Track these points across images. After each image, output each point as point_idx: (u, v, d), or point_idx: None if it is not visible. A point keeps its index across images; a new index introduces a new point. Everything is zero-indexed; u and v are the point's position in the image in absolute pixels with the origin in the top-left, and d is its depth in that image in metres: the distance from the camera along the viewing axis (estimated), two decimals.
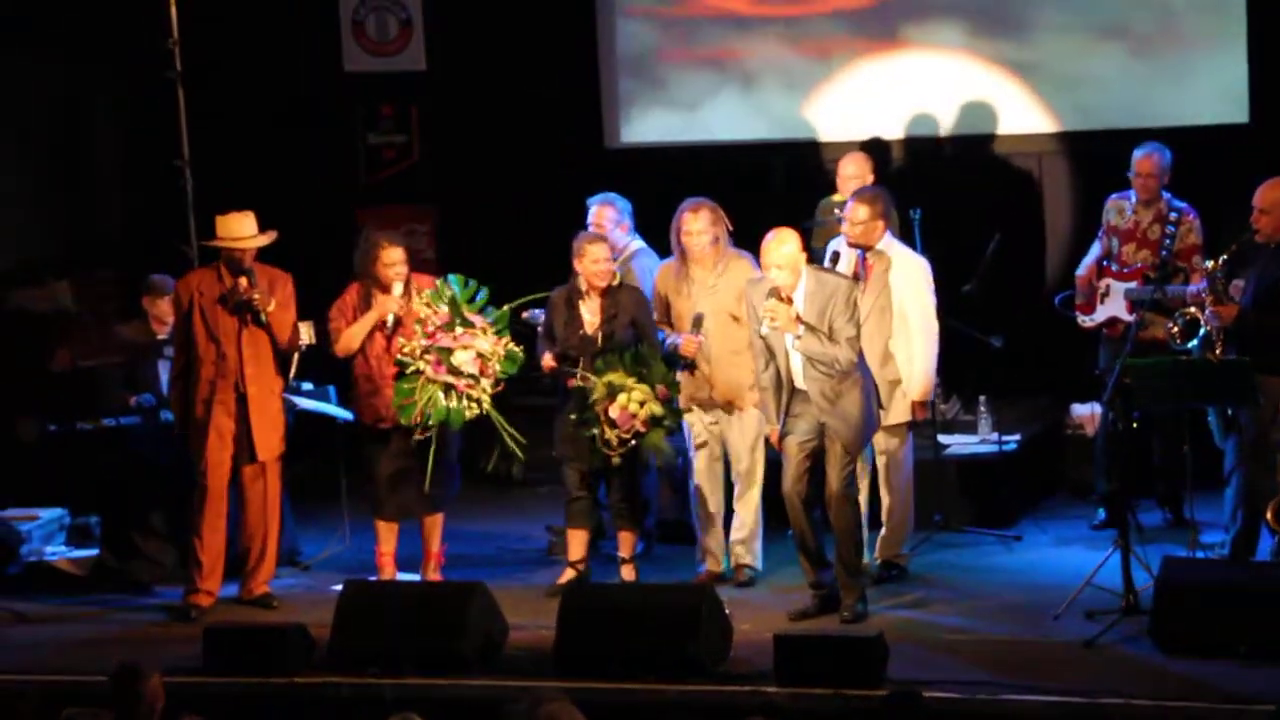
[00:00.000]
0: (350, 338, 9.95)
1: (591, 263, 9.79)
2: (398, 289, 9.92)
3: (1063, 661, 8.56)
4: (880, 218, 9.88)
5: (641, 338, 9.79)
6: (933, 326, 9.98)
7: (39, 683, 8.90)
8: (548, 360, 9.85)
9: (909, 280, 9.90)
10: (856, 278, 9.69)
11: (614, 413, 9.49)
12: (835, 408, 9.18)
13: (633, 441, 9.53)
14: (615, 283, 9.88)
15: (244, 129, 13.09)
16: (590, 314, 9.86)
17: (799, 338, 9.11)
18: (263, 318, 9.81)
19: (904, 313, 9.84)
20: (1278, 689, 7.91)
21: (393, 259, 9.92)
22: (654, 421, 9.53)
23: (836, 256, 9.84)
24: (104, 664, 8.70)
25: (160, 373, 10.70)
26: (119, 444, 10.61)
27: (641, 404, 9.49)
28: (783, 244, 9.16)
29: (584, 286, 9.84)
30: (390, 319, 9.91)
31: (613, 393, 9.51)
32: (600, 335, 9.81)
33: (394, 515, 10.07)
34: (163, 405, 10.55)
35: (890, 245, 9.95)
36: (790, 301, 9.11)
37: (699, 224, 9.76)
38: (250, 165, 12.76)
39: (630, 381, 9.50)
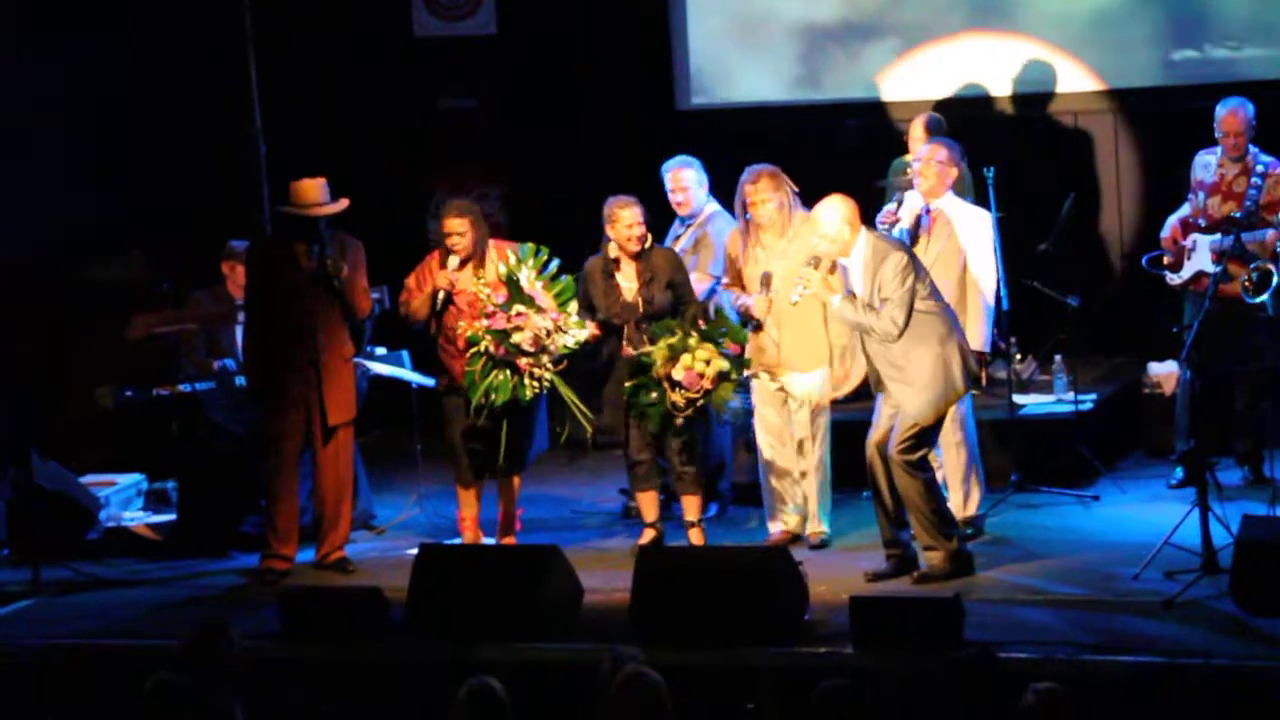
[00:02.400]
0: (415, 310, 9.92)
1: (625, 227, 9.70)
2: (453, 261, 9.84)
3: (1141, 622, 8.45)
4: (954, 164, 9.82)
5: (679, 299, 9.71)
6: (991, 279, 9.87)
7: (116, 648, 8.93)
8: (591, 329, 9.77)
9: (973, 232, 9.83)
10: (917, 230, 9.61)
11: (679, 374, 9.41)
12: (902, 375, 9.07)
13: (701, 401, 9.45)
14: (647, 246, 9.79)
15: (316, 95, 13.07)
16: (627, 280, 9.79)
17: (836, 304, 9.07)
18: (335, 284, 9.78)
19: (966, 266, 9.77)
20: None
21: (450, 229, 9.86)
22: (721, 376, 9.45)
23: (901, 200, 9.77)
24: (182, 628, 8.74)
25: (238, 338, 10.70)
26: (195, 409, 10.62)
27: (707, 361, 9.40)
28: (828, 212, 9.07)
29: (617, 253, 9.75)
30: (441, 295, 9.86)
31: (675, 355, 9.42)
32: (641, 300, 9.73)
33: (473, 479, 10.03)
34: (240, 371, 10.56)
35: (952, 200, 9.88)
36: (821, 267, 9.03)
37: (761, 193, 9.65)
38: (322, 131, 12.74)
39: (692, 341, 9.42)
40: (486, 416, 9.75)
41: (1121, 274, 11.42)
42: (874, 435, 9.20)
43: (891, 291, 8.99)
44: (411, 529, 10.68)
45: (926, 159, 9.87)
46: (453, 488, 10.24)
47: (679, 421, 9.51)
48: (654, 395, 9.48)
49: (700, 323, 9.52)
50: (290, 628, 8.92)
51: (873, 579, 9.21)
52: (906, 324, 9.00)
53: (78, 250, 12.41)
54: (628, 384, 9.60)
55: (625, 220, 9.69)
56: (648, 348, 9.50)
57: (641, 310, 9.70)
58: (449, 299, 9.87)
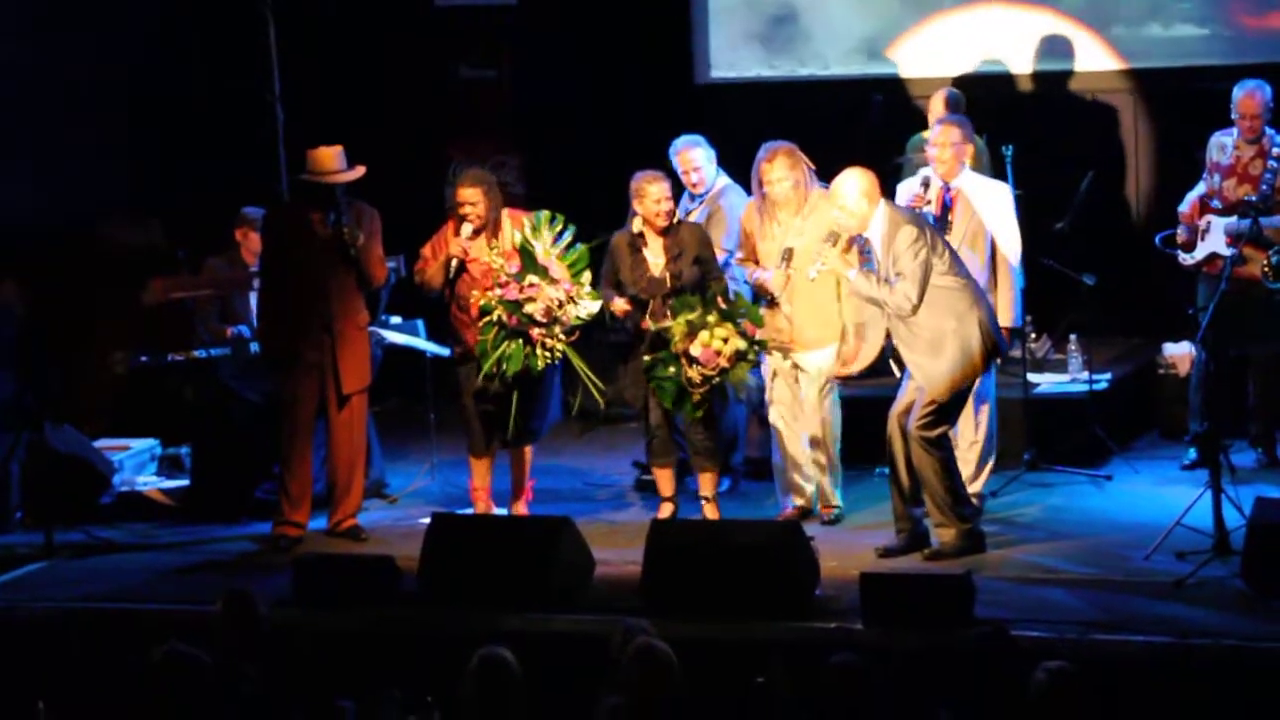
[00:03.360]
0: (429, 279, 9.91)
1: (654, 203, 9.66)
2: (466, 230, 9.82)
3: (1152, 602, 8.44)
4: (968, 140, 9.80)
5: (706, 274, 9.69)
6: (1017, 250, 9.84)
7: (129, 612, 8.95)
8: (620, 304, 9.74)
9: (995, 206, 9.80)
10: (944, 207, 9.57)
11: (696, 351, 9.39)
12: (920, 351, 9.05)
13: (716, 378, 9.43)
14: (675, 220, 9.77)
15: (335, 64, 13.05)
16: (655, 255, 9.76)
17: (851, 279, 9.06)
18: (352, 252, 9.77)
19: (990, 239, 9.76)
20: None
21: (463, 198, 9.83)
22: (738, 356, 9.43)
23: (927, 182, 9.71)
24: (195, 593, 8.76)
25: (252, 305, 10.71)
26: (209, 375, 10.63)
27: (725, 340, 9.39)
28: (846, 185, 9.04)
29: (643, 228, 9.72)
30: (454, 263, 9.85)
31: (693, 331, 9.40)
32: (669, 275, 9.70)
33: (486, 450, 10.03)
34: (255, 338, 10.56)
35: (970, 176, 9.85)
36: (840, 242, 9.02)
37: (777, 171, 9.61)
38: (340, 100, 12.73)
39: (711, 319, 9.40)
40: (499, 385, 9.74)
41: (1137, 253, 11.36)
42: (896, 407, 9.18)
43: (904, 266, 8.96)
44: (424, 498, 10.69)
45: (941, 141, 9.81)
46: (465, 458, 10.24)
47: (695, 398, 9.49)
48: (671, 370, 9.47)
49: (720, 301, 9.48)
50: (302, 594, 8.92)
51: (883, 554, 9.20)
52: (920, 298, 8.97)
53: (95, 217, 12.40)
54: (646, 357, 9.58)
55: (654, 195, 9.65)
56: (667, 322, 9.48)
57: (669, 285, 9.66)
58: (462, 267, 9.85)
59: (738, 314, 9.44)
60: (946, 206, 9.76)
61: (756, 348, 9.50)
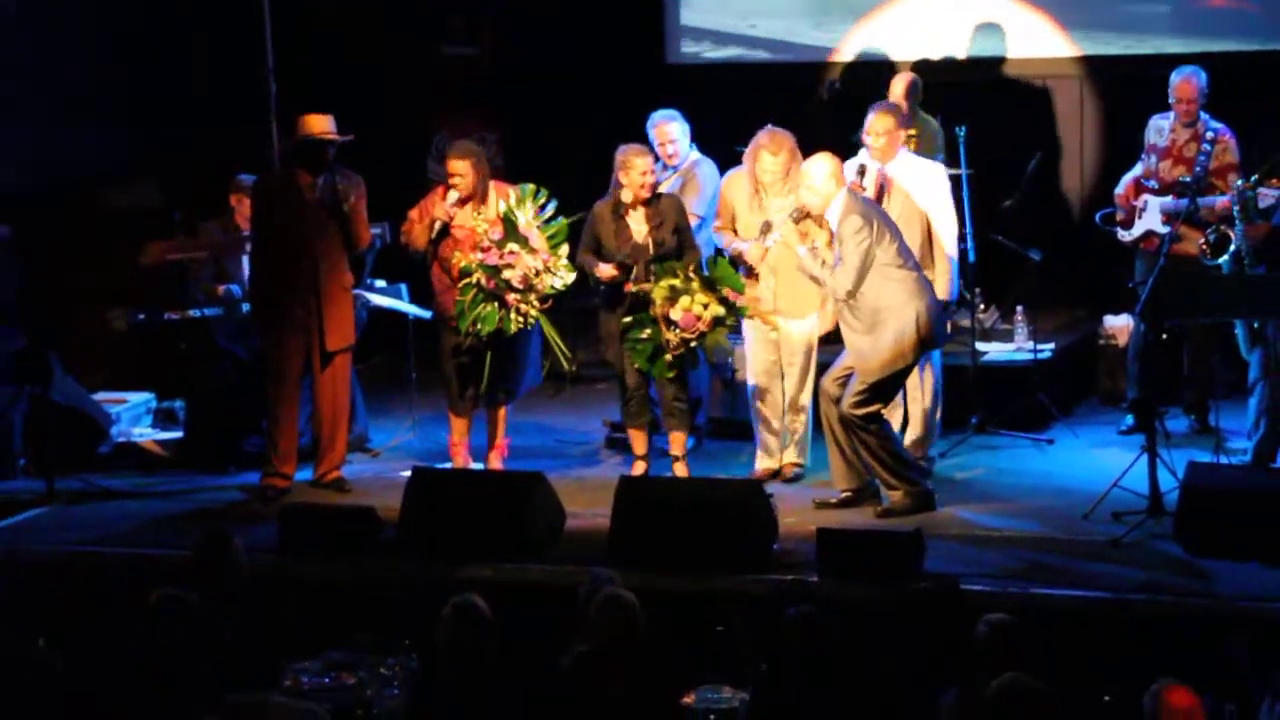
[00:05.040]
0: (414, 238, 9.88)
1: (639, 175, 9.61)
2: (452, 196, 9.78)
3: (1090, 559, 8.45)
4: (901, 127, 9.71)
5: (683, 243, 9.66)
6: (952, 229, 9.81)
7: (123, 555, 8.93)
8: (608, 270, 9.69)
9: (930, 187, 9.73)
10: (881, 190, 9.54)
11: (676, 315, 9.36)
12: (858, 333, 9.04)
13: (694, 342, 9.41)
14: (657, 192, 9.74)
15: (323, 40, 12.97)
16: (637, 224, 9.71)
17: (801, 255, 9.06)
18: (345, 208, 9.72)
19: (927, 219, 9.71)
20: None
21: (453, 169, 9.80)
22: (717, 322, 9.40)
23: (863, 169, 9.65)
24: (185, 539, 8.72)
25: (245, 267, 10.66)
26: (203, 333, 10.59)
27: (705, 305, 9.35)
28: (816, 168, 9.04)
29: (629, 198, 9.68)
30: (437, 225, 9.81)
31: (674, 295, 9.37)
32: (651, 243, 9.67)
33: (465, 408, 10.01)
34: (246, 298, 10.51)
35: (905, 159, 9.78)
36: (804, 220, 9.00)
37: (777, 166, 9.54)
38: (329, 75, 12.64)
39: (694, 285, 9.36)
40: (471, 344, 9.73)
41: (1081, 230, 11.37)
42: (830, 374, 9.20)
43: (847, 253, 8.96)
44: (405, 452, 10.65)
45: (875, 129, 9.67)
46: (445, 414, 10.22)
47: (667, 359, 9.46)
48: (647, 332, 9.44)
49: (699, 270, 9.42)
50: (288, 542, 8.90)
51: (821, 505, 9.20)
52: (857, 286, 8.95)
53: (95, 181, 12.32)
54: (625, 319, 9.55)
55: (639, 168, 9.60)
56: (647, 284, 9.45)
57: (652, 251, 9.63)
58: (445, 230, 9.81)
59: (719, 281, 9.40)
60: (881, 190, 9.68)
61: (735, 314, 9.47)
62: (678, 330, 9.37)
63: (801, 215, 9.11)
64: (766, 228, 9.53)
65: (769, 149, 9.56)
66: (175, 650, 6.83)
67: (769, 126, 9.65)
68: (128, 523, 9.54)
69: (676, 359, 9.48)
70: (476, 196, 9.80)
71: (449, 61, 13.41)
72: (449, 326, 9.86)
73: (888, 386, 9.14)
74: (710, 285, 9.38)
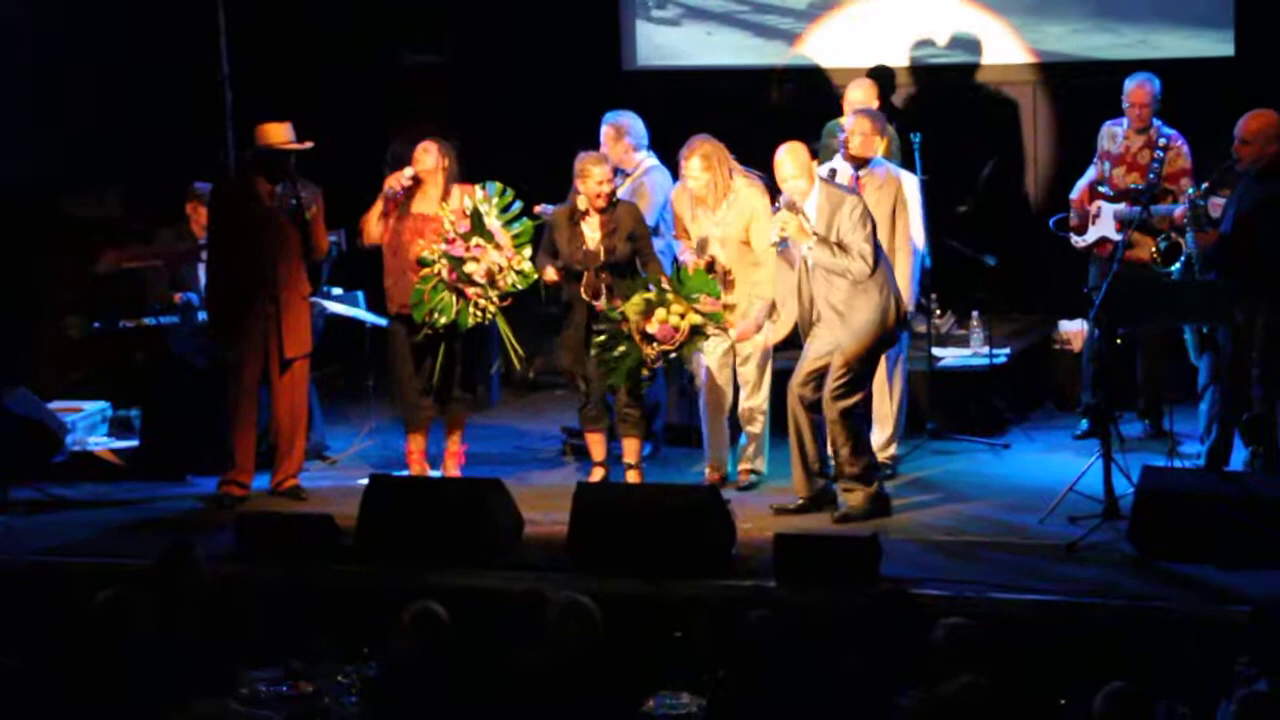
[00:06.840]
0: (368, 224, 9.88)
1: (595, 183, 9.61)
2: (408, 171, 9.78)
3: (1046, 563, 8.49)
4: (878, 134, 9.76)
5: (638, 251, 9.66)
6: (920, 238, 9.85)
7: (79, 565, 8.88)
8: (551, 273, 9.70)
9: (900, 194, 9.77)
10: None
11: (652, 329, 9.32)
12: (845, 321, 9.06)
13: (674, 354, 9.40)
14: (614, 200, 9.75)
15: (280, 46, 12.93)
16: (591, 230, 9.71)
17: (810, 248, 9.01)
18: (305, 216, 9.70)
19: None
20: (1250, 591, 7.83)
21: (417, 152, 9.83)
22: (694, 331, 9.38)
23: (833, 174, 9.69)
24: (142, 547, 8.69)
25: (200, 275, 10.64)
26: (159, 341, 10.56)
27: (681, 315, 9.33)
28: (795, 154, 9.06)
29: (584, 205, 9.69)
30: (389, 191, 9.77)
31: (649, 309, 9.33)
32: (603, 250, 9.67)
33: (422, 421, 9.99)
34: (202, 306, 10.48)
35: (881, 163, 9.82)
36: (800, 212, 8.99)
37: (692, 169, 9.60)
38: (283, 81, 12.61)
39: (668, 296, 9.34)
40: (425, 339, 9.70)
41: (1036, 235, 11.41)
42: (797, 378, 9.18)
43: (856, 235, 8.95)
44: (362, 460, 10.62)
45: (854, 130, 9.76)
46: (402, 422, 10.19)
47: (645, 373, 9.46)
48: (623, 349, 9.41)
49: (667, 282, 9.40)
50: (245, 549, 8.88)
51: (780, 511, 9.20)
52: (875, 257, 8.99)
53: (53, 187, 12.26)
54: (597, 339, 9.50)
55: (596, 176, 9.60)
56: (620, 304, 9.41)
57: (603, 259, 9.63)
58: (404, 208, 9.73)
59: (696, 289, 9.39)
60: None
61: (712, 320, 9.45)
62: (656, 344, 9.34)
63: (796, 207, 9.07)
64: (702, 245, 9.56)
65: (685, 155, 9.61)
66: (124, 648, 6.80)
67: (697, 135, 9.67)
68: (84, 532, 9.50)
69: (653, 371, 9.49)
70: (437, 186, 9.78)
71: (407, 69, 13.38)
72: (401, 318, 9.84)
73: (869, 367, 9.17)
74: (684, 295, 9.36)
